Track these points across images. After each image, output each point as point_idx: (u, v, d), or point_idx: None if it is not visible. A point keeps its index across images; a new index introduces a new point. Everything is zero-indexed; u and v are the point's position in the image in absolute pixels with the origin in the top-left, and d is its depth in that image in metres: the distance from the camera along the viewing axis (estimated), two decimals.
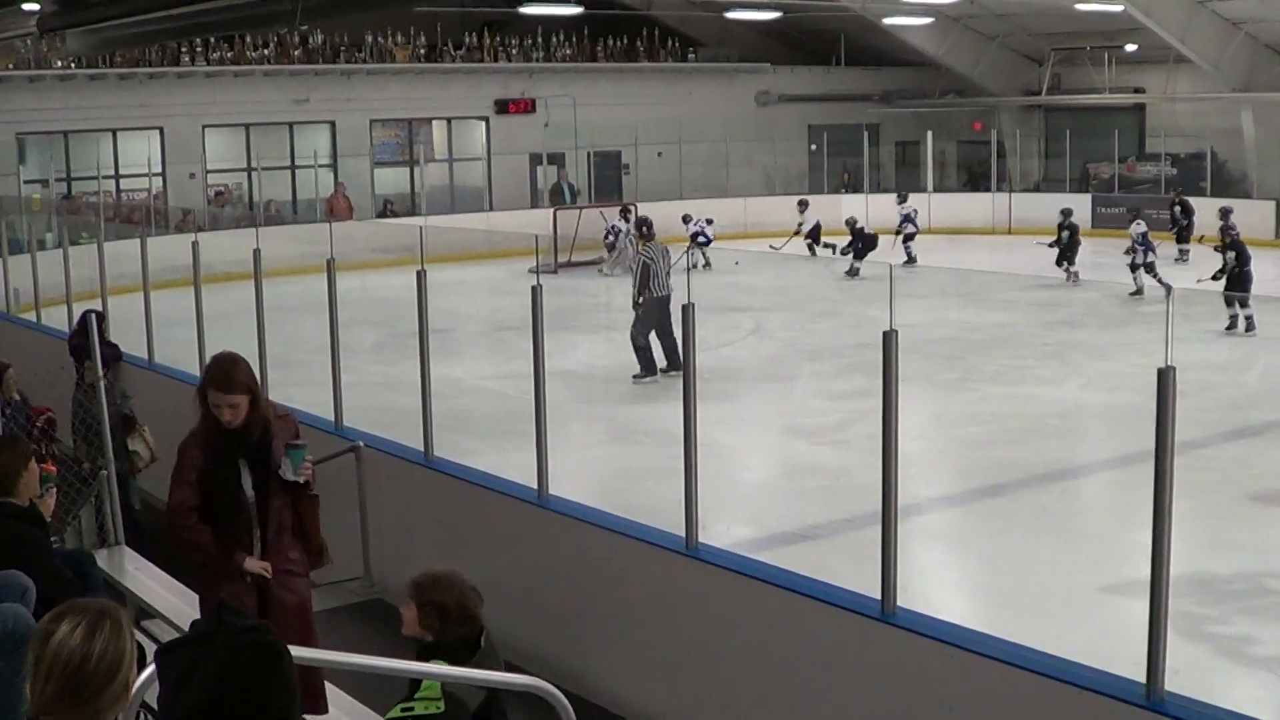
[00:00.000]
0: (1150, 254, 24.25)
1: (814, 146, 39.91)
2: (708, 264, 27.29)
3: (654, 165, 37.40)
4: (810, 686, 6.97)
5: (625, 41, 39.13)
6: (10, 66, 30.86)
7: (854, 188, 38.17)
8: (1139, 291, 23.18)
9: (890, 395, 6.55)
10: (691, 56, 40.15)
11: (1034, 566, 11.22)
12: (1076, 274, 25.81)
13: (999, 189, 37.61)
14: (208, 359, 13.08)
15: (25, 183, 30.01)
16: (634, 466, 13.91)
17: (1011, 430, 15.43)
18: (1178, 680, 5.69)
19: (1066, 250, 26.30)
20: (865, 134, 38.57)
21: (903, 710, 6.52)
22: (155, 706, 3.67)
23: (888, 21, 36.73)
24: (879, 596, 6.61)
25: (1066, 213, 27.24)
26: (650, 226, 19.29)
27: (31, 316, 17.96)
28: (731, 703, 7.43)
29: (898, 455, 6.58)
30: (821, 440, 15.20)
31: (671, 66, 39.69)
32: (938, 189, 38.60)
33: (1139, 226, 24.68)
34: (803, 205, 32.05)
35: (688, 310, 7.66)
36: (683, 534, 7.63)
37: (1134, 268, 24.07)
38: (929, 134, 38.92)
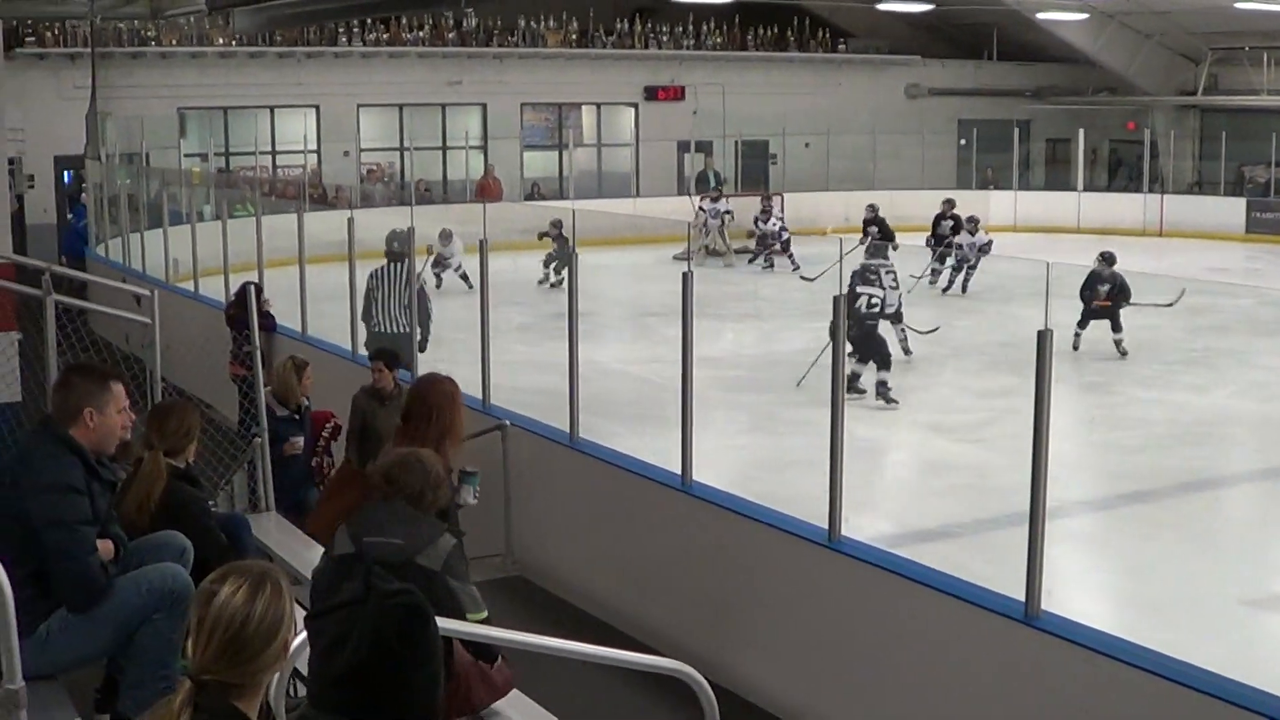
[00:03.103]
0: None
1: (963, 141, 39.58)
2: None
3: (801, 156, 37.29)
4: (948, 686, 6.96)
5: (776, 31, 39.02)
6: (174, 43, 31.54)
7: (999, 184, 37.79)
8: None
9: (1042, 395, 6.52)
10: (842, 47, 39.95)
11: (1177, 575, 11.07)
12: None
13: (1151, 190, 37.01)
14: (361, 333, 13.51)
15: (185, 156, 30.62)
16: (775, 457, 13.91)
17: (1158, 436, 15.24)
18: None
19: None
20: (1016, 130, 38.15)
21: (1042, 714, 6.49)
22: (305, 673, 3.78)
23: (1041, 16, 36.27)
24: (1022, 599, 6.58)
25: None
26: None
27: (189, 286, 18.32)
28: (868, 697, 7.44)
29: (1048, 456, 6.55)
30: (963, 438, 15.11)
31: (821, 57, 39.53)
32: (1088, 188, 38.07)
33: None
34: (767, 209, 29.95)
35: (838, 301, 7.68)
36: (824, 526, 7.65)
37: None
38: (1080, 132, 38.32)
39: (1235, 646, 8.73)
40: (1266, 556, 11.06)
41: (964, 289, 25.02)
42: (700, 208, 30.90)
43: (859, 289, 16.83)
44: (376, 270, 14.25)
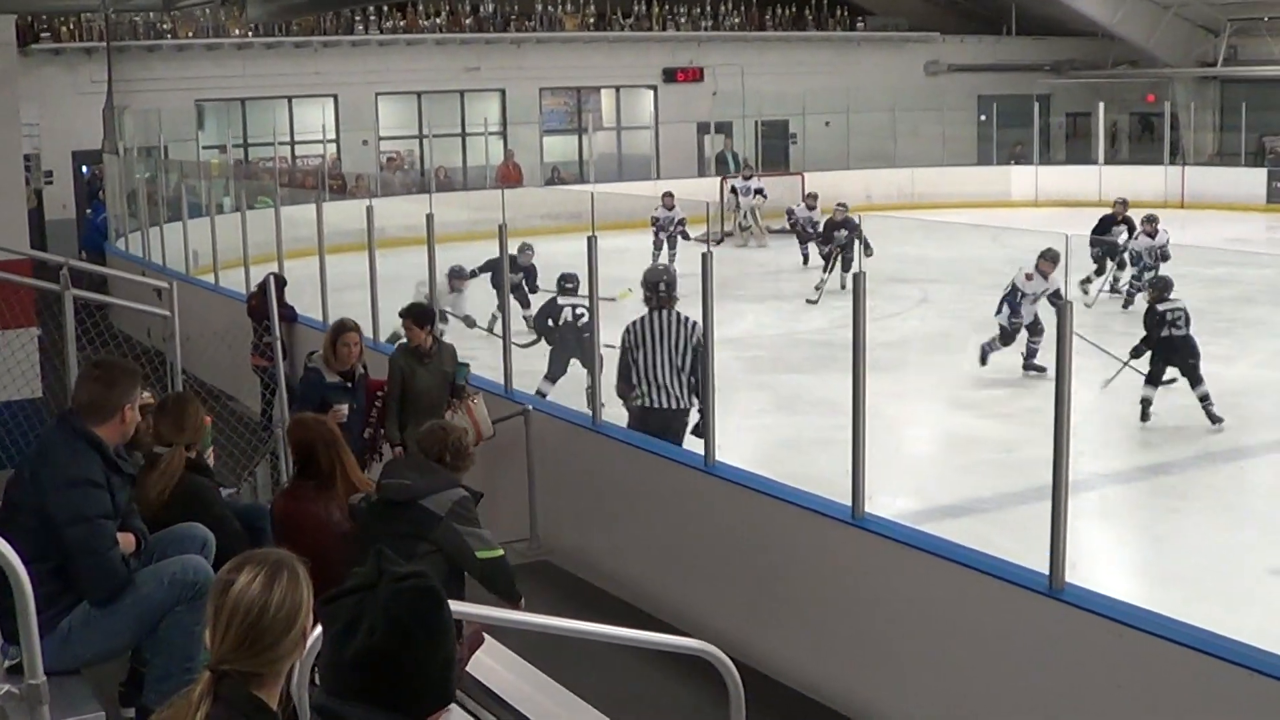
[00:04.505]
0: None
1: (983, 117, 39.44)
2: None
3: (821, 135, 37.24)
4: (975, 660, 6.94)
5: (794, 10, 38.98)
6: (190, 35, 31.61)
7: (1020, 160, 37.72)
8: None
9: (1063, 366, 6.50)
10: (860, 25, 39.87)
11: (1202, 546, 11.07)
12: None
13: (1172, 162, 36.86)
14: (380, 322, 13.46)
15: (204, 148, 30.67)
16: (799, 436, 13.91)
17: (1182, 407, 15.16)
18: None
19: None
20: (1036, 105, 38.00)
21: (1069, 687, 6.47)
22: None
23: None
24: (1045, 572, 6.56)
25: None
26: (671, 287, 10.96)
27: (209, 278, 18.35)
28: (893, 672, 7.42)
29: (1069, 429, 6.52)
30: (986, 413, 15.08)
31: (840, 35, 39.44)
32: (1109, 161, 37.92)
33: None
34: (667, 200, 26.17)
35: (859, 279, 7.65)
36: (848, 503, 7.63)
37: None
38: (1101, 105, 38.17)
39: (1265, 616, 8.71)
40: None
41: (1131, 300, 20.79)
42: (733, 188, 30.85)
43: (559, 300, 14.96)
44: (635, 324, 10.72)
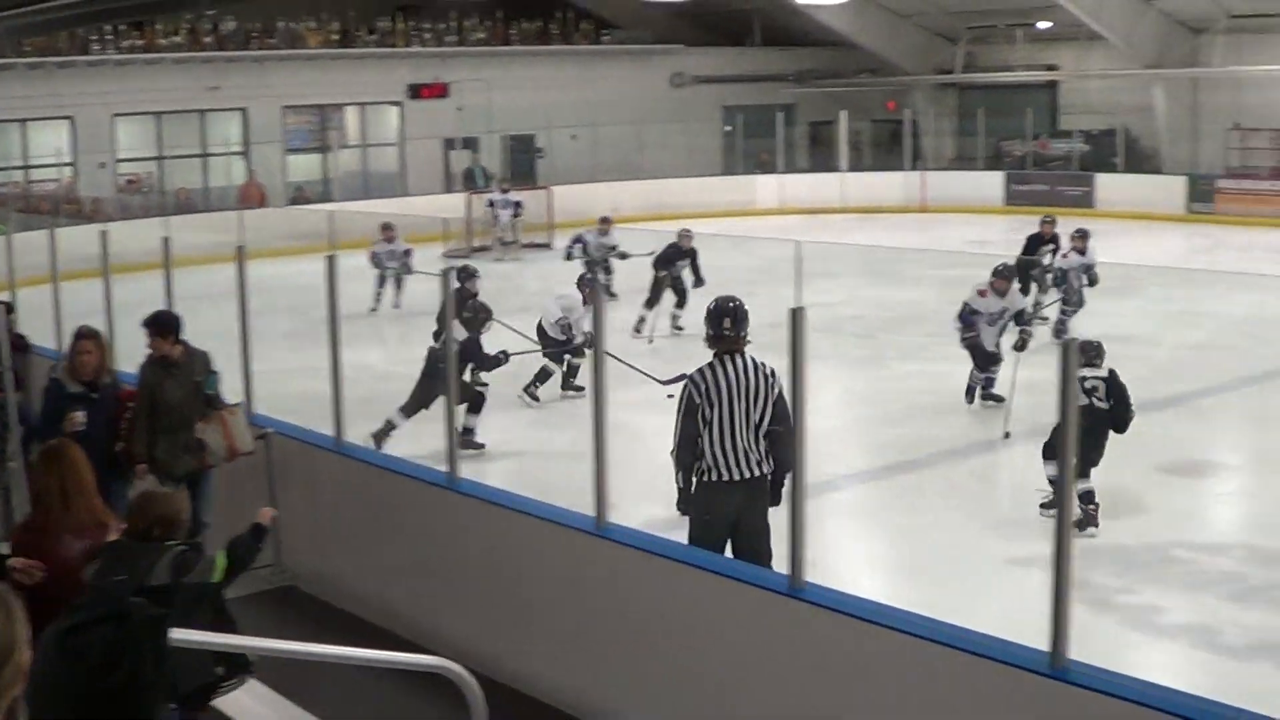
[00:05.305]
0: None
1: (729, 128, 40.06)
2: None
3: (568, 148, 37.42)
4: (718, 662, 7.00)
5: (539, 24, 39.10)
6: None
7: (767, 168, 38.37)
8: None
9: (798, 371, 6.60)
10: (605, 38, 40.20)
11: (945, 540, 11.37)
12: None
13: (913, 167, 37.85)
14: (118, 349, 13.08)
15: None
16: (554, 449, 13.92)
17: (923, 407, 15.53)
18: (1085, 649, 5.73)
19: None
20: (779, 115, 38.68)
21: (811, 684, 6.56)
22: None
23: (801, 1, 36.84)
24: (786, 572, 6.66)
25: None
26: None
27: None
28: (640, 679, 7.46)
29: (806, 432, 6.63)
30: None
31: (585, 49, 39.73)
32: (852, 168, 38.78)
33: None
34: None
35: (598, 289, 7.69)
36: (593, 514, 7.66)
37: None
38: (843, 114, 39.06)
39: (1005, 605, 8.94)
40: (1031, 517, 11.35)
41: (1062, 330, 18.68)
42: (490, 201, 30.83)
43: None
44: (704, 373, 8.72)
